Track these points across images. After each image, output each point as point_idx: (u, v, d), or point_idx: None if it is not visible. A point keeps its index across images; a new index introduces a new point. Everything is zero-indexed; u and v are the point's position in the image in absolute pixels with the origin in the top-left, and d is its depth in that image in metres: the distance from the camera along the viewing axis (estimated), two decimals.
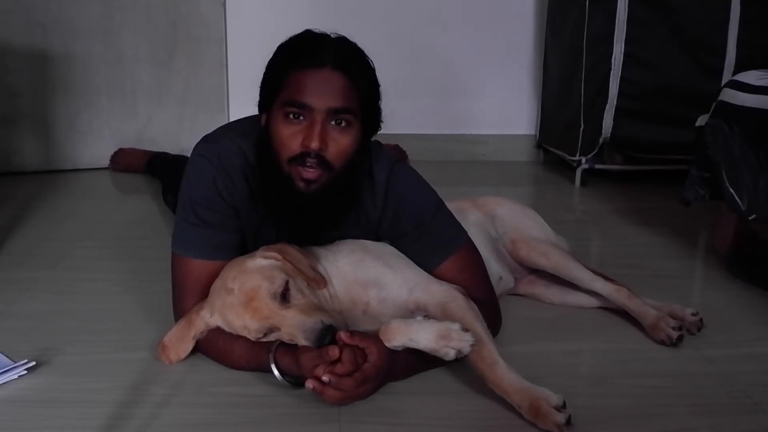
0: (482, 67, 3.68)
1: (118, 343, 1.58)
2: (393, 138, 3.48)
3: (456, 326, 1.31)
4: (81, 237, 2.38)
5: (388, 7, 3.57)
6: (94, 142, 3.37)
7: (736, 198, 1.92)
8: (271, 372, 1.35)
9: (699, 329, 1.65)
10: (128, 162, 3.27)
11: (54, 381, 1.41)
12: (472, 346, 1.29)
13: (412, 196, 1.57)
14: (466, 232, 1.61)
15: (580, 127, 3.14)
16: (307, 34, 1.47)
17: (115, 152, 3.34)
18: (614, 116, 3.05)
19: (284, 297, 1.33)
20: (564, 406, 1.25)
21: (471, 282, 1.56)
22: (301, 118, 1.39)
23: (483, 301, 1.54)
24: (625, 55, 2.99)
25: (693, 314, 1.67)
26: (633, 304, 1.68)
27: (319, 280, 1.41)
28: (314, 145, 1.38)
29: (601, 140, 3.09)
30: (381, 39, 3.77)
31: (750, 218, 1.90)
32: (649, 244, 2.35)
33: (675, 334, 1.58)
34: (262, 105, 1.49)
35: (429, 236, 1.56)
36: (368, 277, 1.47)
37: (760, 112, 1.89)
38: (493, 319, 1.55)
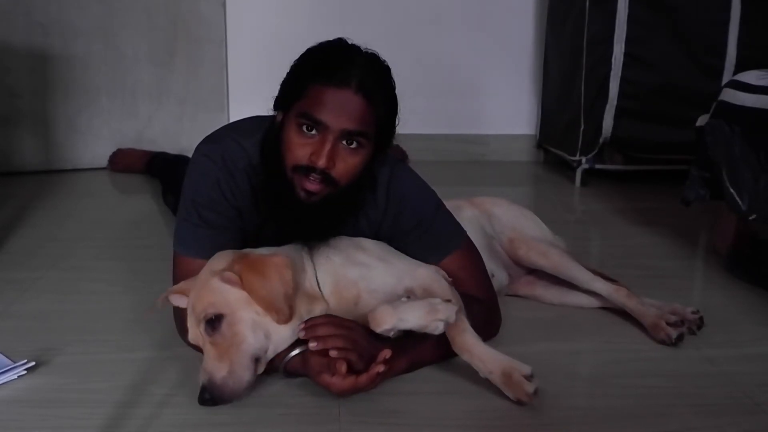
0: (482, 67, 3.67)
1: (118, 343, 1.58)
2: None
3: (437, 300, 1.34)
4: (81, 237, 2.38)
5: (388, 8, 3.57)
6: (94, 142, 3.36)
7: (737, 198, 1.92)
8: (275, 371, 1.36)
9: (699, 327, 1.65)
10: (127, 162, 3.27)
11: (54, 381, 1.41)
12: (457, 313, 1.33)
13: (412, 196, 1.58)
14: (465, 232, 1.62)
15: (581, 127, 3.14)
16: (339, 45, 1.45)
17: (114, 153, 3.34)
18: (614, 116, 3.05)
19: (212, 327, 1.29)
20: (532, 376, 1.30)
21: (470, 280, 1.57)
22: (314, 132, 1.39)
23: (481, 299, 1.54)
24: (625, 55, 2.99)
25: (693, 312, 1.67)
26: (632, 304, 1.68)
27: (282, 314, 1.31)
28: (321, 163, 1.37)
29: (601, 140, 3.09)
30: (381, 39, 3.76)
31: (750, 218, 1.89)
32: (650, 244, 2.35)
33: (674, 334, 1.58)
34: (279, 104, 1.48)
35: (429, 235, 1.56)
36: (357, 268, 1.47)
37: (760, 112, 1.89)
38: (492, 318, 1.56)
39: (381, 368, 1.28)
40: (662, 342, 1.59)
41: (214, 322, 1.29)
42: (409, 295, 1.44)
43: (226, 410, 1.31)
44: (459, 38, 3.63)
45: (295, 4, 3.55)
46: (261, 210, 1.53)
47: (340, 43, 1.46)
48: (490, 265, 1.75)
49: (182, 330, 1.48)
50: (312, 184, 1.40)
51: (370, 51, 1.46)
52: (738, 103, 1.95)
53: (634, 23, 2.96)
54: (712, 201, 2.09)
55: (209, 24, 3.46)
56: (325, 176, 1.39)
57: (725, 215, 2.13)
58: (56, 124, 3.30)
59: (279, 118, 1.47)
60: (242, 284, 1.31)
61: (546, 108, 3.61)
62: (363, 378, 1.28)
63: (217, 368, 1.27)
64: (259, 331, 1.31)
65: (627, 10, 2.95)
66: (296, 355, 1.35)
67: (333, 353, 1.28)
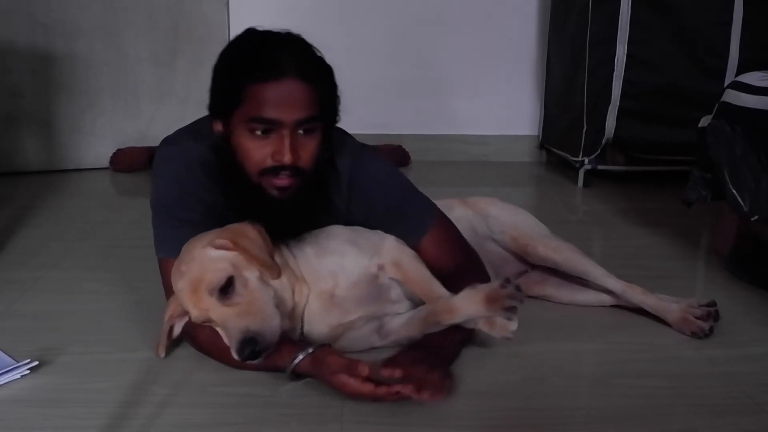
0: (485, 68, 3.68)
1: (120, 342, 1.58)
2: (395, 138, 3.48)
3: (495, 284, 1.35)
4: (83, 237, 2.38)
5: (390, 7, 3.57)
6: (97, 142, 3.37)
7: (738, 199, 1.91)
8: (277, 370, 1.37)
9: (716, 320, 1.64)
10: (129, 161, 3.28)
11: (56, 381, 1.42)
12: (519, 290, 1.34)
13: (378, 182, 1.59)
14: (436, 207, 1.63)
15: (583, 127, 3.14)
16: (258, 37, 1.45)
17: (114, 153, 3.34)
18: (617, 117, 3.05)
19: (225, 292, 1.31)
20: (508, 280, 1.35)
21: (451, 252, 1.59)
22: (268, 132, 1.39)
23: (465, 266, 1.57)
24: (627, 55, 2.99)
25: (708, 305, 1.66)
26: (652, 301, 1.67)
27: (273, 270, 1.36)
28: (287, 159, 1.38)
29: (603, 141, 3.09)
30: (383, 39, 3.78)
31: (752, 219, 1.89)
32: (651, 245, 2.35)
33: (707, 326, 1.59)
34: (217, 113, 1.46)
35: (403, 218, 1.58)
36: (332, 257, 1.48)
37: (762, 113, 1.89)
38: (483, 277, 1.57)
39: (407, 391, 1.25)
40: (693, 335, 1.59)
41: (226, 287, 1.30)
42: (381, 269, 1.49)
43: (228, 409, 1.32)
44: (461, 38, 3.63)
45: (297, 4, 3.55)
46: (237, 215, 1.52)
47: (256, 34, 1.46)
48: None
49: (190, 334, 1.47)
50: (283, 180, 1.41)
51: (284, 31, 1.46)
52: (740, 104, 1.95)
53: (636, 24, 2.96)
54: (713, 202, 2.09)
55: (211, 24, 3.46)
56: (294, 170, 1.40)
57: (727, 216, 2.13)
58: (59, 124, 3.31)
59: (219, 128, 1.46)
60: (235, 247, 1.33)
61: (548, 108, 3.61)
62: (382, 390, 1.26)
63: (248, 320, 1.28)
64: (266, 285, 1.34)
65: (629, 11, 2.95)
66: (307, 356, 1.34)
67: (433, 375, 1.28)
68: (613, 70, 3.01)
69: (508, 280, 1.35)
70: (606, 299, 1.77)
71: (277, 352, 1.34)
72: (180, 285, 1.35)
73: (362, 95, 3.52)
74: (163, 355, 1.44)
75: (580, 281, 1.79)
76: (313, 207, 1.49)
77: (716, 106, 2.05)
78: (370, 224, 1.58)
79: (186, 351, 1.49)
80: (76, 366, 1.48)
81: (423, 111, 3.64)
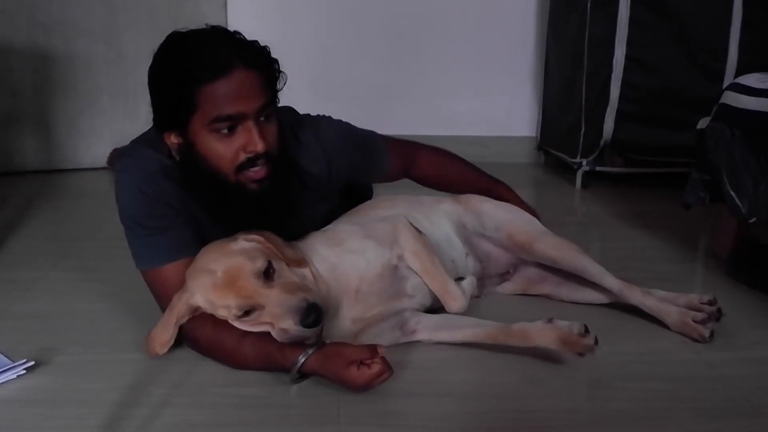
0: (483, 69, 3.68)
1: (118, 343, 1.58)
2: None
3: (575, 328, 1.41)
4: (81, 237, 2.38)
5: (388, 8, 3.57)
6: (96, 143, 3.37)
7: (737, 201, 1.92)
8: (280, 371, 1.37)
9: (718, 319, 1.63)
10: None
11: (53, 381, 1.41)
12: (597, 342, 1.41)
13: (347, 133, 1.72)
14: (371, 131, 1.82)
15: (581, 129, 3.14)
16: (187, 39, 1.44)
17: (111, 153, 3.33)
18: (615, 119, 3.05)
19: (267, 276, 1.35)
20: (587, 330, 1.41)
21: (407, 145, 1.89)
22: (234, 127, 1.40)
23: (410, 144, 1.88)
24: (626, 57, 2.99)
25: (710, 303, 1.65)
26: (651, 303, 1.65)
27: (300, 260, 1.42)
28: (260, 147, 1.41)
29: (602, 143, 3.09)
30: (382, 40, 3.78)
31: (750, 221, 1.90)
32: (650, 247, 2.35)
33: (707, 332, 1.57)
34: (168, 124, 1.46)
35: (371, 156, 1.77)
36: (354, 256, 1.50)
37: (761, 115, 1.89)
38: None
39: None
40: (695, 340, 1.58)
41: (268, 271, 1.34)
42: (400, 260, 1.54)
43: (226, 410, 1.32)
44: (460, 39, 3.63)
45: (295, 5, 3.55)
46: (202, 217, 1.52)
47: (184, 37, 1.45)
48: (453, 254, 1.73)
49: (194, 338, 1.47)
50: (258, 173, 1.43)
51: (209, 26, 1.48)
52: (739, 106, 1.95)
53: (635, 26, 2.96)
54: (712, 204, 2.09)
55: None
56: (267, 157, 1.43)
57: (725, 218, 2.13)
58: (58, 124, 3.31)
59: (174, 139, 1.46)
60: (266, 240, 1.39)
61: (547, 110, 3.61)
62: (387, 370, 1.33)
63: (301, 293, 1.33)
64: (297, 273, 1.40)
65: (628, 13, 2.95)
66: (313, 353, 1.34)
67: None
68: (611, 72, 3.01)
69: (587, 330, 1.40)
70: (604, 298, 1.76)
71: (280, 351, 1.35)
72: (210, 281, 1.36)
73: (359, 95, 3.52)
74: (162, 352, 1.41)
75: (580, 279, 1.78)
76: (289, 188, 1.52)
77: (715, 108, 2.05)
78: (364, 167, 1.76)
79: (184, 352, 1.49)
80: (74, 366, 1.48)
81: (421, 111, 3.64)
